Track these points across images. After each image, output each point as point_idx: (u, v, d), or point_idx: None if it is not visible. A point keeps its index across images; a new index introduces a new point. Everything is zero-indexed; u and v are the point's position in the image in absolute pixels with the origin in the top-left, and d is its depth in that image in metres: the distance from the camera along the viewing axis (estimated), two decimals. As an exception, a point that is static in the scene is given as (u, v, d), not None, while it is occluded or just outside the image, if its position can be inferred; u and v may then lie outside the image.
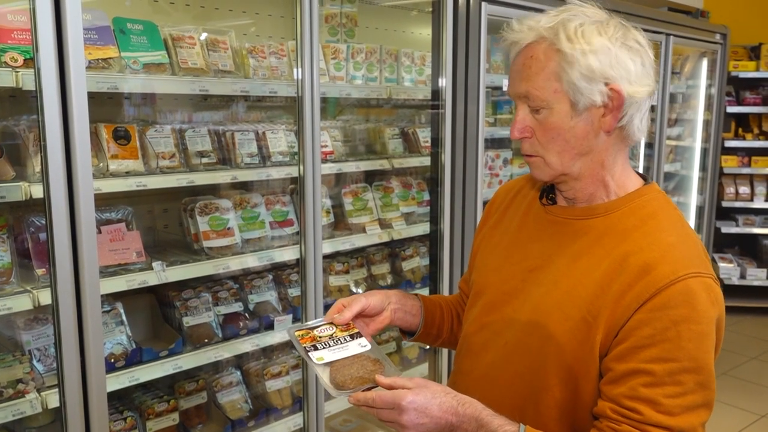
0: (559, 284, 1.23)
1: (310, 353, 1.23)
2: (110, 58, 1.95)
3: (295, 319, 2.48)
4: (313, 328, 1.30)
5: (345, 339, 1.27)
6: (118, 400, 2.25)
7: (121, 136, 2.06)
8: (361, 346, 1.26)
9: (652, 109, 3.99)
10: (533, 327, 1.24)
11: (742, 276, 5.86)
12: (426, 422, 1.13)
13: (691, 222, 4.91)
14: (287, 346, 2.66)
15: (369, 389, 1.17)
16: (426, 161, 2.92)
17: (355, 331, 1.30)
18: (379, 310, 1.39)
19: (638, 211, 1.24)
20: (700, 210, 4.91)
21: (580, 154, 1.22)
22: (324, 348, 1.24)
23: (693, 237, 1.23)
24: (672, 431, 1.10)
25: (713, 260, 5.83)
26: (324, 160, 2.48)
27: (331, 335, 1.28)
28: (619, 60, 1.16)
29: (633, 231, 1.21)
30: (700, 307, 1.11)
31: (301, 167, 2.30)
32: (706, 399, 1.13)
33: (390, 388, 1.16)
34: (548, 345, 1.21)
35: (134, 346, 2.11)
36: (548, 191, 1.37)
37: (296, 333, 1.28)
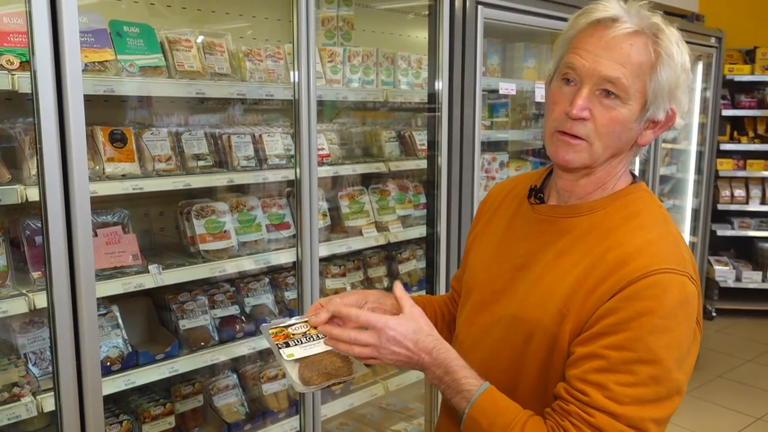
0: (541, 281, 1.25)
1: (281, 350, 1.25)
2: (107, 61, 1.95)
3: (292, 322, 2.48)
4: (288, 326, 1.32)
5: (317, 336, 1.29)
6: (114, 403, 2.25)
7: (118, 139, 2.06)
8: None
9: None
10: (517, 323, 1.26)
11: (738, 279, 5.88)
12: (400, 352, 1.16)
13: (687, 225, 4.92)
14: (284, 349, 2.66)
15: (334, 384, 1.20)
16: (422, 164, 2.93)
17: None
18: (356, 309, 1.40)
19: (622, 209, 1.25)
20: (695, 213, 4.92)
21: (614, 155, 1.24)
22: (296, 345, 1.26)
23: (674, 235, 1.23)
24: (617, 419, 1.09)
25: (709, 263, 5.85)
26: (320, 163, 2.48)
27: (304, 333, 1.30)
28: (684, 89, 1.19)
29: (616, 229, 1.22)
30: (667, 302, 1.11)
31: (298, 170, 2.30)
32: (659, 395, 1.11)
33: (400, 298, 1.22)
34: (530, 341, 1.23)
35: (130, 349, 2.11)
36: (537, 190, 1.38)
37: (270, 330, 1.31)
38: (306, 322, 1.32)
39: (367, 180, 2.99)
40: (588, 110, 1.17)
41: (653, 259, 1.14)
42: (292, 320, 1.33)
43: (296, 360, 1.23)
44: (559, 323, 1.18)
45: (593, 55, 1.16)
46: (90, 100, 1.75)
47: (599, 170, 1.26)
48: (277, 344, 1.26)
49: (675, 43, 1.17)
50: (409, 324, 1.17)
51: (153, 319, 2.40)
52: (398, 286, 1.23)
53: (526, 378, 1.24)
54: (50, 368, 1.83)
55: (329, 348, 1.25)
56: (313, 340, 1.28)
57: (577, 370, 1.13)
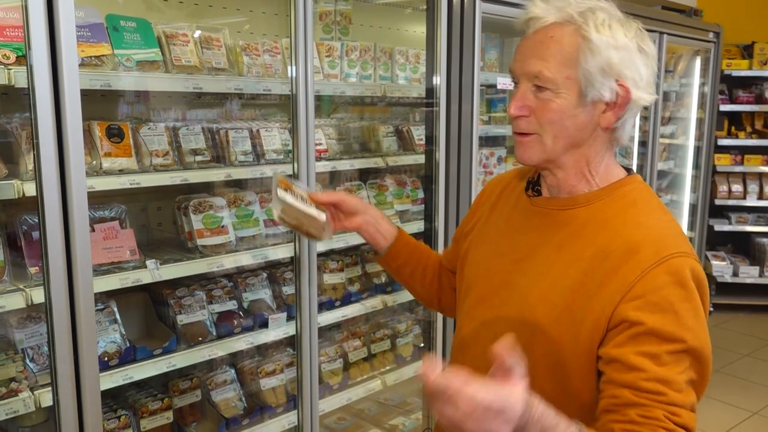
0: (544, 275, 1.24)
1: (278, 189, 1.44)
2: (103, 55, 1.94)
3: (290, 318, 2.48)
4: (294, 185, 1.49)
5: (311, 204, 1.46)
6: (112, 398, 2.25)
7: (115, 134, 2.05)
8: (319, 212, 1.45)
9: (645, 109, 4.00)
10: (521, 319, 1.25)
11: (735, 274, 5.89)
12: (473, 424, 0.92)
13: (684, 220, 4.92)
14: (281, 344, 2.66)
15: (299, 230, 1.43)
16: (420, 159, 2.93)
17: (323, 207, 1.48)
18: (353, 211, 1.53)
19: (619, 200, 1.25)
20: (693, 208, 4.93)
21: (572, 145, 1.24)
22: (292, 196, 1.45)
23: (673, 222, 1.25)
24: (684, 408, 1.09)
25: (706, 258, 5.86)
26: (318, 158, 2.48)
27: (303, 197, 1.47)
28: (634, 62, 1.18)
29: (614, 219, 1.22)
30: (689, 285, 1.12)
31: (296, 165, 2.30)
32: (702, 376, 1.14)
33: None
34: (536, 336, 1.22)
35: (128, 344, 2.11)
36: (534, 183, 1.38)
37: (279, 177, 1.48)
38: (309, 194, 1.49)
39: (364, 175, 2.99)
40: (527, 107, 1.21)
41: (661, 245, 1.14)
42: (303, 185, 1.54)
43: (285, 202, 1.43)
44: (571, 321, 1.17)
45: (522, 56, 1.23)
46: (87, 95, 1.74)
47: (567, 161, 1.26)
48: (278, 187, 1.45)
49: (602, 23, 1.17)
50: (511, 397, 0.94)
51: (150, 314, 2.40)
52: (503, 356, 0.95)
53: (538, 378, 1.17)
54: (48, 363, 1.83)
55: (314, 213, 1.44)
56: (306, 202, 1.45)
57: (637, 372, 1.09)
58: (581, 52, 1.16)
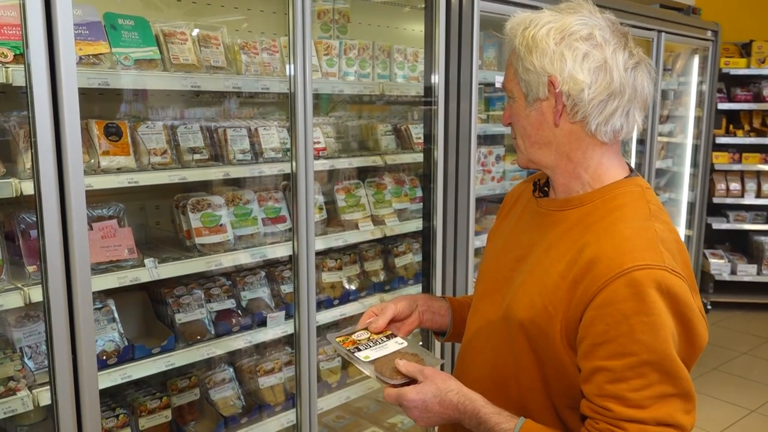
0: (532, 273, 1.28)
1: (355, 354, 1.35)
2: (101, 53, 1.94)
3: (288, 316, 2.48)
4: (350, 334, 1.42)
5: (382, 339, 1.39)
6: (110, 397, 2.25)
7: (113, 133, 2.05)
8: (398, 343, 1.38)
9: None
10: (510, 314, 1.29)
11: (733, 272, 5.90)
12: (430, 416, 1.25)
13: (683, 218, 4.93)
14: (280, 342, 2.66)
15: (411, 382, 1.28)
16: (419, 158, 2.93)
17: (389, 332, 1.42)
18: (408, 313, 1.49)
19: (608, 203, 1.26)
20: (691, 206, 4.93)
21: (540, 144, 1.29)
22: (366, 348, 1.37)
23: (654, 231, 1.19)
24: (646, 423, 1.10)
25: (704, 256, 5.86)
26: (316, 157, 2.48)
27: (368, 338, 1.40)
28: (562, 56, 1.21)
29: (597, 223, 1.23)
30: (649, 299, 1.10)
31: (294, 164, 2.30)
32: (679, 388, 1.12)
33: (406, 373, 1.28)
34: (518, 330, 1.26)
35: (126, 343, 2.11)
36: (543, 185, 1.41)
37: (337, 339, 1.41)
38: (365, 329, 1.42)
39: (363, 173, 2.99)
40: (508, 116, 1.35)
41: (625, 258, 1.13)
42: (351, 329, 1.44)
43: (371, 361, 1.33)
44: (547, 320, 1.20)
45: None
46: (85, 94, 1.74)
47: (549, 160, 1.30)
48: (348, 350, 1.36)
49: (528, 33, 1.24)
50: (427, 389, 1.24)
51: (149, 313, 2.40)
52: (401, 365, 1.28)
53: (525, 369, 1.27)
54: (46, 362, 1.83)
55: (398, 348, 1.36)
56: (379, 343, 1.39)
57: (592, 386, 1.14)
58: (515, 61, 1.27)
